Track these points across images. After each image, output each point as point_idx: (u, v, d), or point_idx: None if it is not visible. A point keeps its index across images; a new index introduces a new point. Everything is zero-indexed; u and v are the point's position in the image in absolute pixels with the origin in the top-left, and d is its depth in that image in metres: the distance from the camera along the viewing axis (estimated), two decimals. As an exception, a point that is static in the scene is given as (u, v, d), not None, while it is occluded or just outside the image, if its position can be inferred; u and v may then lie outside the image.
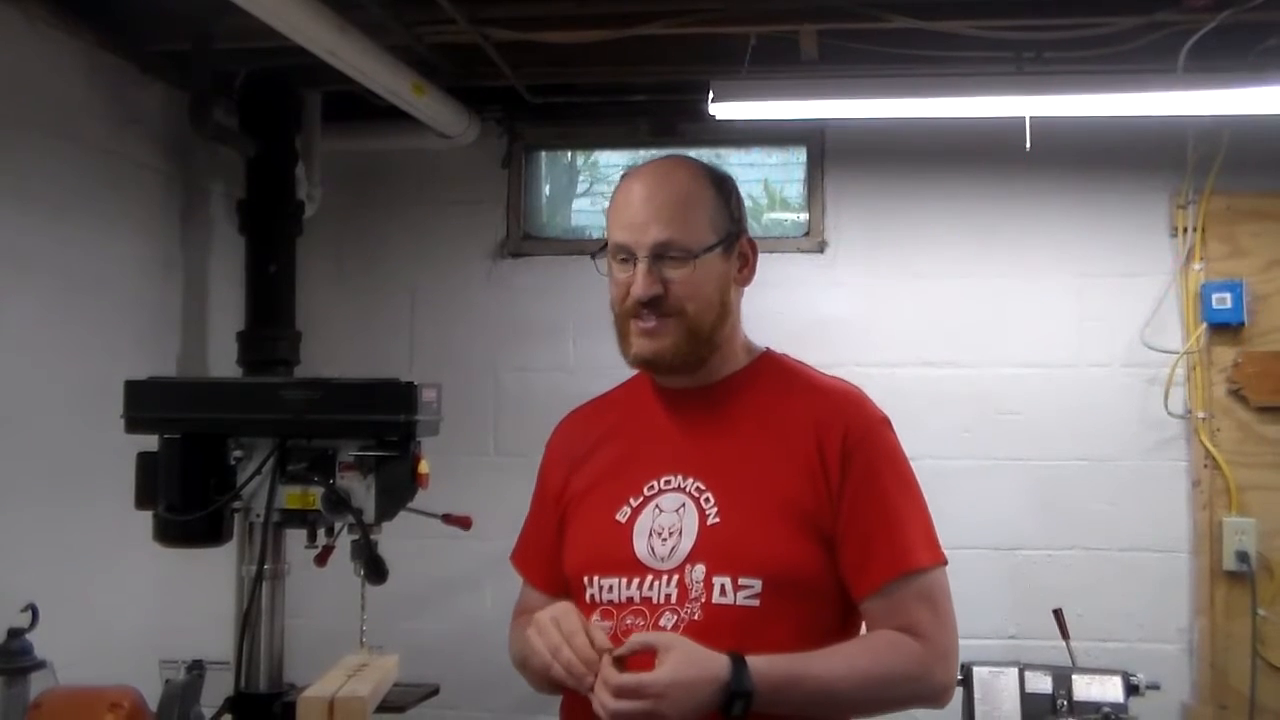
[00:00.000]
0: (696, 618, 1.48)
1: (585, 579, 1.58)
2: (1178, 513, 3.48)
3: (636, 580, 1.53)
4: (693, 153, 3.91)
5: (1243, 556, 3.36)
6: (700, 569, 1.50)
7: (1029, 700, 2.74)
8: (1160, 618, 3.45)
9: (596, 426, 1.70)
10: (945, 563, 1.54)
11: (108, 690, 1.91)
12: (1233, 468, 3.42)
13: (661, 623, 1.49)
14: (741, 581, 1.48)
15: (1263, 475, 3.43)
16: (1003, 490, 3.52)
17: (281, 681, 1.92)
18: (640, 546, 1.54)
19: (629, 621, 1.52)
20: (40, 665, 2.09)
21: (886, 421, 1.59)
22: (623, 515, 1.57)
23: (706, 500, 1.53)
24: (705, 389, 1.61)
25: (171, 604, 3.06)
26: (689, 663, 1.38)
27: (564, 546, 1.65)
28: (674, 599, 1.50)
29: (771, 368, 1.65)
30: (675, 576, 1.51)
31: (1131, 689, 2.73)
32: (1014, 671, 2.77)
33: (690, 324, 1.55)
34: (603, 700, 1.37)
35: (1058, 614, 2.94)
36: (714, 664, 1.38)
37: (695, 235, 1.55)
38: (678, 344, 1.55)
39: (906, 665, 1.47)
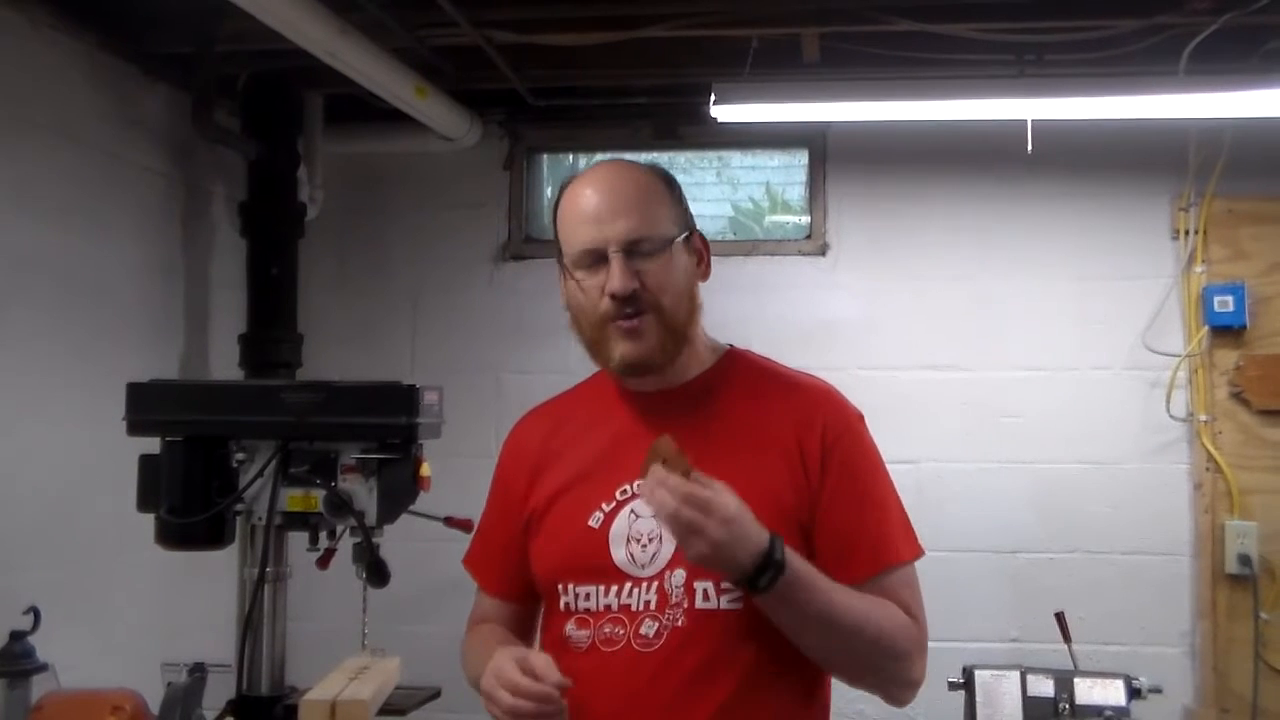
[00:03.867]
0: (680, 624, 1.47)
1: (560, 586, 1.56)
2: (1180, 516, 3.48)
3: (615, 588, 1.51)
4: (695, 156, 4.01)
5: (1245, 560, 3.36)
6: (680, 574, 1.47)
7: (1031, 704, 2.72)
8: (1162, 621, 3.45)
9: (561, 429, 1.66)
10: (923, 554, 1.55)
11: (109, 693, 1.91)
12: (1235, 471, 3.42)
13: (643, 630, 1.48)
14: (724, 585, 1.45)
15: (1265, 478, 3.43)
16: (1004, 493, 3.51)
17: (283, 684, 1.92)
18: (619, 554, 1.51)
19: (607, 630, 1.50)
20: (42, 668, 2.09)
21: (861, 417, 1.59)
22: (595, 521, 1.54)
23: None
24: (675, 390, 1.58)
25: (173, 607, 3.05)
26: (746, 511, 1.36)
27: (532, 553, 1.62)
28: (654, 605, 1.48)
29: (740, 366, 1.63)
30: (655, 583, 1.49)
31: (1134, 692, 2.72)
32: (1016, 675, 2.76)
33: (667, 319, 1.52)
34: (661, 499, 1.33)
35: (1059, 617, 2.92)
36: (760, 529, 1.37)
37: (662, 226, 1.53)
38: (661, 341, 1.52)
39: (899, 636, 1.47)
